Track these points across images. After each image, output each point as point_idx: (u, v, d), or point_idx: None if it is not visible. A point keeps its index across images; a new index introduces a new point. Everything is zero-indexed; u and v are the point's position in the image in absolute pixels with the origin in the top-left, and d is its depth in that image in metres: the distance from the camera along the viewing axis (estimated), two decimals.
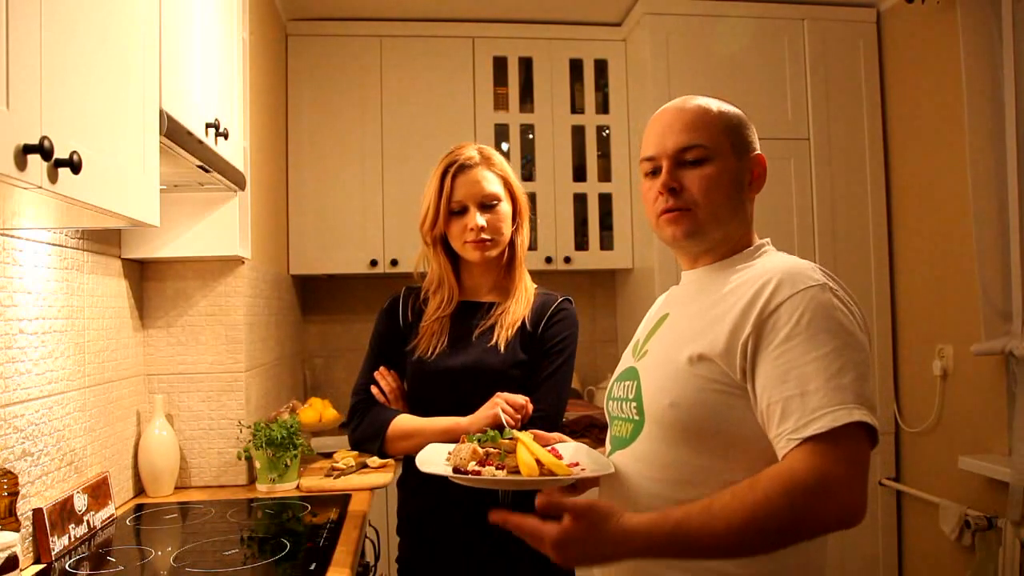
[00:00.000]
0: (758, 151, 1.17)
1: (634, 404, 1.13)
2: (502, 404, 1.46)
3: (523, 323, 1.58)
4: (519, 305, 1.60)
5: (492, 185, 1.58)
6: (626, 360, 1.24)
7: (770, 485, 0.90)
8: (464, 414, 1.49)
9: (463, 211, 1.57)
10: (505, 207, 1.60)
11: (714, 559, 0.97)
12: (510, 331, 1.56)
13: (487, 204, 1.57)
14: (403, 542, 1.65)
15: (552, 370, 1.57)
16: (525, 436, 1.21)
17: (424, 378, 1.58)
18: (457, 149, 1.61)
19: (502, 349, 1.55)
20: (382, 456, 1.59)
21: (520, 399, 1.49)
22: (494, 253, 1.60)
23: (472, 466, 1.16)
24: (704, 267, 1.17)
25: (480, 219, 1.55)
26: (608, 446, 1.22)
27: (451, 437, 1.42)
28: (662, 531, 0.92)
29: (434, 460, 1.23)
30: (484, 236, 1.56)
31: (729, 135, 1.13)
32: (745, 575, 1.00)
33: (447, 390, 1.55)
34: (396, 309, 1.67)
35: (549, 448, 1.23)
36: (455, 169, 1.57)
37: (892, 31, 2.89)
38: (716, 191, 1.11)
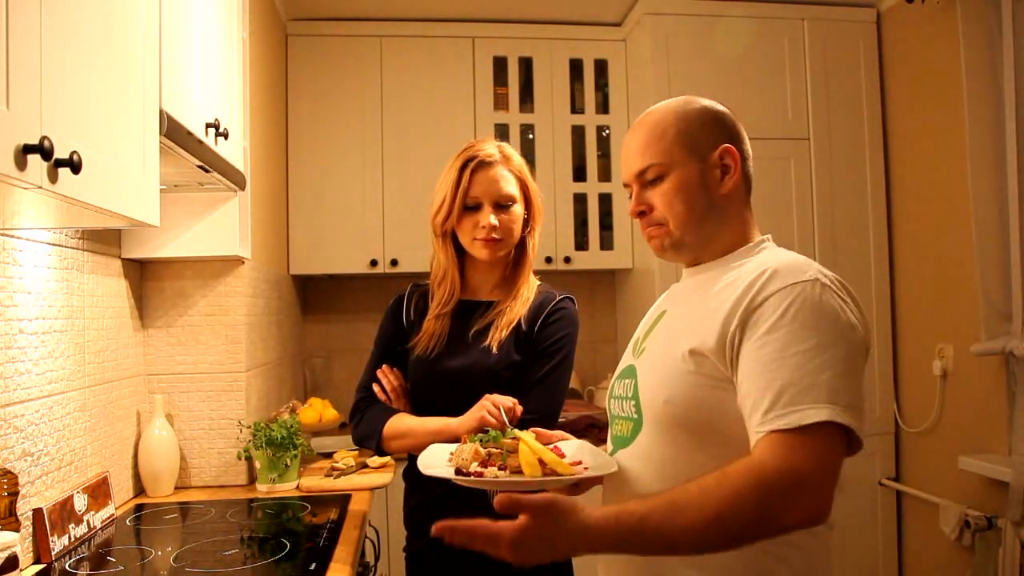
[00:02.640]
0: (726, 144, 1.13)
1: (633, 402, 1.13)
2: (488, 406, 1.44)
3: (519, 323, 1.57)
4: (517, 305, 1.59)
5: (509, 185, 1.58)
6: (626, 358, 1.24)
7: (740, 480, 0.88)
8: (462, 414, 1.48)
9: (477, 207, 1.56)
10: (518, 209, 1.60)
11: (673, 555, 0.95)
12: (504, 331, 1.55)
13: (502, 204, 1.57)
14: (409, 533, 1.65)
15: (545, 371, 1.55)
16: (527, 435, 1.20)
17: (423, 378, 1.59)
18: (478, 143, 1.60)
19: (494, 350, 1.54)
20: (380, 454, 1.59)
21: (508, 401, 1.46)
22: (502, 253, 1.59)
23: (474, 467, 1.16)
24: (703, 265, 1.17)
25: (493, 218, 1.55)
26: (610, 445, 1.22)
27: (442, 438, 1.42)
28: (626, 526, 0.89)
29: (436, 462, 1.23)
30: (495, 235, 1.55)
31: (682, 142, 1.12)
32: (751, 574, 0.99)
33: (447, 390, 1.55)
34: (400, 308, 1.67)
35: (551, 446, 1.23)
36: (475, 164, 1.56)
37: (892, 31, 2.89)
38: (678, 202, 1.12)
